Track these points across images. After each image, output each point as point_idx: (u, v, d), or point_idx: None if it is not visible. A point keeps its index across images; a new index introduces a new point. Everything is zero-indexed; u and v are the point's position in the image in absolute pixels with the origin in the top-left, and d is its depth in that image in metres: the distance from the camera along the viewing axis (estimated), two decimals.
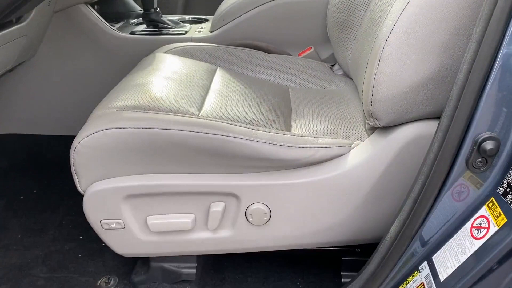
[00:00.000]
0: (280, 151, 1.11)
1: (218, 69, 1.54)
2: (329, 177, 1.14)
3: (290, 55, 1.81)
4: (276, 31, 1.83)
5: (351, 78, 1.56)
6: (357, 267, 1.14)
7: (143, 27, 2.02)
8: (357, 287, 1.08)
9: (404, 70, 1.03)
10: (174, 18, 2.10)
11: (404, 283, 1.01)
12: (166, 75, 1.37)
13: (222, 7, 1.91)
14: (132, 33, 1.95)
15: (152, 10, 1.99)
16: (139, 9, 2.27)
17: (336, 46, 1.62)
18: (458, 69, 0.90)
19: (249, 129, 1.13)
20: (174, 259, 1.34)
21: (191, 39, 1.88)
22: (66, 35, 1.91)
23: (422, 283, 0.96)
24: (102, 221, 1.19)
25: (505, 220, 0.84)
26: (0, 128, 2.07)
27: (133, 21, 2.14)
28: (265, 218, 1.18)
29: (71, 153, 1.12)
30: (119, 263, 1.47)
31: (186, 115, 1.16)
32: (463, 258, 0.90)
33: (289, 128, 1.28)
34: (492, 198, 0.89)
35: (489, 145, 0.87)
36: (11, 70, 1.80)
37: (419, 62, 1.02)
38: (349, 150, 1.16)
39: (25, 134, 2.08)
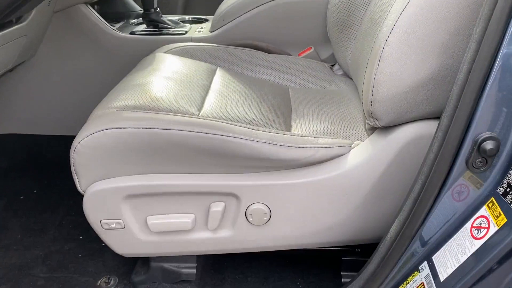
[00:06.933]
0: (280, 151, 1.11)
1: (218, 69, 1.54)
2: (329, 177, 1.14)
3: (290, 55, 1.81)
4: (276, 31, 1.83)
5: (351, 78, 1.56)
6: (357, 267, 1.14)
7: (143, 27, 2.02)
8: (357, 287, 1.08)
9: (404, 70, 1.03)
10: (174, 18, 2.10)
11: (404, 283, 1.01)
12: (166, 75, 1.37)
13: (222, 7, 1.91)
14: (132, 33, 1.96)
15: (152, 10, 1.99)
16: (139, 9, 2.27)
17: (336, 46, 1.62)
18: (458, 69, 0.90)
19: (249, 129, 1.13)
20: (174, 259, 1.34)
21: (191, 39, 1.88)
22: (66, 35, 1.91)
23: (422, 283, 0.96)
24: (102, 221, 1.19)
25: (505, 220, 0.84)
26: (0, 128, 2.07)
27: (133, 21, 2.14)
28: (265, 218, 1.18)
29: (71, 153, 1.12)
30: (119, 263, 1.47)
31: (186, 115, 1.16)
32: (463, 258, 0.90)
33: (289, 128, 1.28)
34: (492, 198, 0.89)
35: (489, 145, 0.87)
36: (11, 70, 1.80)
37: (419, 62, 1.02)
38: (349, 150, 1.16)
39: (25, 134, 2.08)
